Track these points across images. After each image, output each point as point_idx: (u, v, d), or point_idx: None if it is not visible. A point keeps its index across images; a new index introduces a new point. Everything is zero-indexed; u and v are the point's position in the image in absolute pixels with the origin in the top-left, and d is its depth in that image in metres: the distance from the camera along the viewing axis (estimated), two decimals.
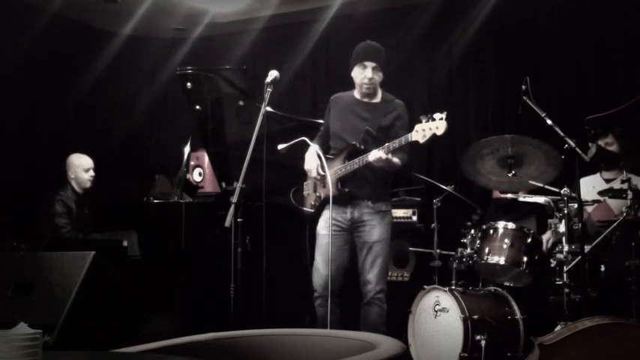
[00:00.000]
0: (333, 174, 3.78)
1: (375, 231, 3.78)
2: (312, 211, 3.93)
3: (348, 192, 3.76)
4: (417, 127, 3.49)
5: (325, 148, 3.93)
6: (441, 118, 3.42)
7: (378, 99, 3.91)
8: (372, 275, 3.76)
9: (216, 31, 6.30)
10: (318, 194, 3.91)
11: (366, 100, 3.91)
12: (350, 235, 3.84)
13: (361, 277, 3.82)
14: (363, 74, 3.83)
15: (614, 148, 4.13)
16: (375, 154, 3.57)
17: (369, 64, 3.82)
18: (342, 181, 3.77)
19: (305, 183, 4.03)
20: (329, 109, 4.02)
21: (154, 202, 4.94)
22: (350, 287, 3.85)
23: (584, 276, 3.17)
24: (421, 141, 3.48)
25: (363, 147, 3.72)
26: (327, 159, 3.87)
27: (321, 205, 3.89)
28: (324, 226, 3.85)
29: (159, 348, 2.16)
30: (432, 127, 3.44)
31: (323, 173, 3.83)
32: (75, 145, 5.26)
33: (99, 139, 6.17)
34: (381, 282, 3.78)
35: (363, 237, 3.81)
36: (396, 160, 3.67)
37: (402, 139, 3.56)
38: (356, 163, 3.69)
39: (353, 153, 3.74)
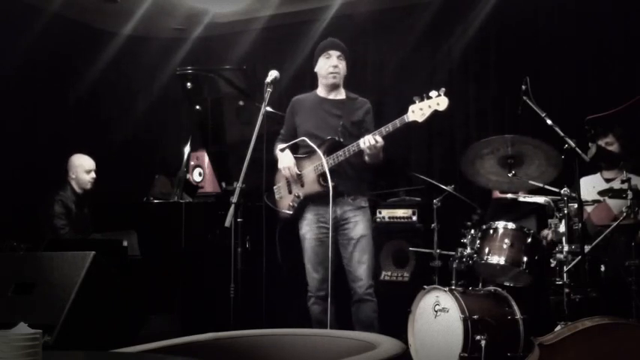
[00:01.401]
0: (313, 170, 3.76)
1: (358, 227, 3.78)
2: (291, 212, 3.87)
3: (335, 186, 3.65)
4: (412, 107, 3.47)
5: (293, 150, 3.91)
6: (439, 95, 3.40)
7: (343, 96, 3.93)
8: (361, 272, 3.76)
9: (216, 31, 6.30)
10: (296, 194, 3.86)
11: (331, 97, 3.91)
12: (334, 233, 3.80)
13: (349, 274, 3.81)
14: (328, 63, 3.84)
15: (614, 148, 4.13)
16: (370, 139, 3.55)
17: (334, 53, 3.85)
18: (323, 176, 3.70)
19: (275, 187, 3.97)
20: (293, 111, 3.98)
21: (154, 202, 4.94)
22: (339, 285, 3.84)
23: (584, 276, 3.17)
24: (420, 120, 3.46)
25: (342, 140, 3.71)
26: (299, 158, 3.85)
27: (300, 206, 3.86)
28: (309, 230, 3.83)
29: (159, 348, 2.16)
30: (431, 104, 3.42)
31: (299, 172, 3.81)
32: (75, 145, 5.26)
33: (99, 139, 6.16)
34: (370, 277, 3.79)
35: (347, 234, 3.80)
36: (381, 153, 3.69)
37: (397, 122, 3.54)
38: (341, 156, 3.67)
39: (333, 147, 3.72)
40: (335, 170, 3.71)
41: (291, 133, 3.97)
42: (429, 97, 3.42)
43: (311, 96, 3.98)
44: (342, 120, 3.81)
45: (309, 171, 3.78)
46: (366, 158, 3.69)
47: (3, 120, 5.38)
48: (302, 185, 3.82)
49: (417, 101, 3.45)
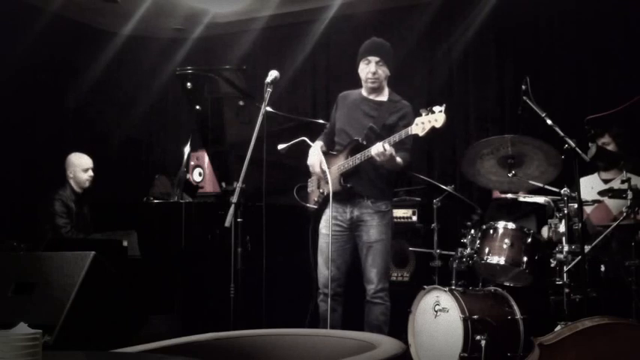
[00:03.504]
0: (336, 169, 3.79)
1: (374, 231, 3.78)
2: (316, 207, 3.93)
3: (350, 187, 3.74)
4: (417, 120, 3.50)
5: (331, 145, 3.95)
6: (440, 111, 3.43)
7: (384, 97, 3.92)
8: (372, 274, 3.77)
9: (216, 31, 6.30)
10: (321, 190, 3.91)
11: (372, 97, 3.92)
12: (351, 233, 3.84)
13: (363, 276, 3.83)
14: (367, 69, 3.85)
15: (611, 147, 4.13)
16: (378, 148, 3.57)
17: (373, 59, 3.84)
18: (344, 176, 3.76)
19: (309, 180, 4.04)
20: (336, 106, 4.04)
21: (154, 202, 4.94)
22: (355, 285, 3.85)
23: (584, 276, 3.17)
24: (420, 134, 3.48)
25: (365, 143, 3.72)
26: (331, 155, 3.88)
27: (324, 202, 3.88)
28: (324, 225, 3.86)
29: (159, 348, 2.16)
30: (430, 119, 3.44)
31: (326, 169, 3.83)
32: (75, 145, 5.26)
33: (99, 139, 6.17)
34: (382, 281, 3.79)
35: (362, 237, 3.81)
36: (398, 159, 3.67)
37: (402, 133, 3.56)
38: (358, 159, 3.69)
39: (356, 149, 3.75)
40: (356, 172, 3.74)
41: (331, 128, 4.03)
42: (432, 112, 3.44)
43: (354, 93, 4.00)
44: (373, 122, 3.81)
45: (334, 169, 3.81)
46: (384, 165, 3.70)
47: (3, 120, 5.38)
48: (327, 182, 3.85)
49: (422, 114, 3.47)
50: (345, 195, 3.77)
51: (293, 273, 4.22)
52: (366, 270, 3.80)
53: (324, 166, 3.78)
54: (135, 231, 4.54)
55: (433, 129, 3.44)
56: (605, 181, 4.18)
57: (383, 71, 3.86)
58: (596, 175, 4.26)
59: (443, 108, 3.42)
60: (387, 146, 3.55)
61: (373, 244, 3.78)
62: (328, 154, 3.90)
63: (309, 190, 4.04)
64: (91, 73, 6.12)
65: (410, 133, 3.52)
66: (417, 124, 3.49)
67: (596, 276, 3.54)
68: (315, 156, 3.87)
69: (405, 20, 5.69)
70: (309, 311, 4.13)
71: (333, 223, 3.78)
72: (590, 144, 3.82)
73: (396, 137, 3.58)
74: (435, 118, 3.43)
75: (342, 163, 3.78)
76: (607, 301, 3.45)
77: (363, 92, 3.96)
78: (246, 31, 6.20)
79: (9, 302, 3.01)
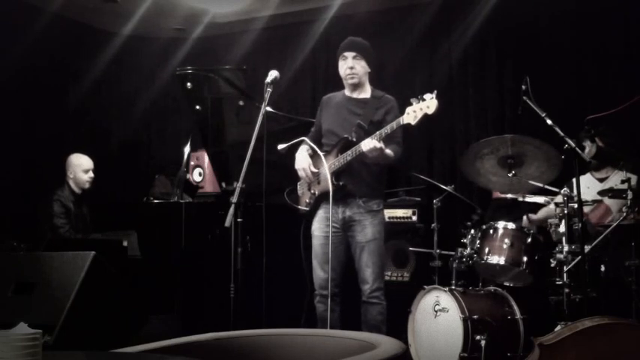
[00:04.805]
0: (327, 169, 3.78)
1: (366, 231, 3.77)
2: (308, 209, 3.92)
3: (343, 185, 3.71)
4: (408, 109, 3.49)
5: (317, 148, 3.92)
6: (432, 98, 3.42)
7: (367, 94, 3.93)
8: (367, 274, 3.76)
9: (216, 31, 6.30)
10: (312, 192, 3.90)
11: (355, 95, 3.92)
12: (344, 234, 3.83)
13: (358, 276, 3.82)
14: (345, 65, 3.86)
15: (595, 149, 4.11)
16: (369, 143, 3.56)
17: (349, 54, 3.86)
18: (336, 175, 3.74)
19: (299, 182, 4.02)
20: (320, 109, 4.04)
21: (154, 202, 4.94)
22: (350, 285, 3.85)
23: (584, 276, 3.17)
24: (413, 122, 3.47)
25: (355, 139, 3.71)
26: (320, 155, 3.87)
27: (316, 203, 3.88)
28: (318, 227, 3.85)
29: (159, 348, 2.16)
30: (422, 107, 3.44)
31: (316, 170, 3.82)
32: (75, 145, 5.26)
33: (99, 139, 6.17)
34: (378, 280, 3.78)
35: (355, 237, 3.80)
36: (388, 151, 3.66)
37: (394, 124, 3.55)
38: (349, 155, 3.68)
39: (346, 146, 3.73)
40: (347, 171, 3.74)
41: (317, 130, 4.01)
42: (423, 100, 3.43)
43: (339, 94, 4.01)
44: (360, 119, 3.81)
45: (325, 169, 3.80)
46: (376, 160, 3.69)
47: (3, 120, 5.38)
48: (318, 183, 3.84)
49: (413, 103, 3.47)
50: (338, 195, 3.74)
51: (293, 273, 4.22)
52: (360, 270, 3.79)
53: (322, 167, 3.76)
54: (135, 231, 4.54)
55: (425, 116, 3.43)
56: (600, 180, 4.17)
57: (361, 66, 3.86)
58: (588, 175, 4.24)
59: (434, 94, 3.42)
60: (375, 142, 3.54)
61: (366, 244, 3.77)
62: (317, 155, 3.88)
63: (299, 192, 4.01)
64: (91, 73, 6.12)
65: (402, 123, 3.51)
66: (408, 114, 3.48)
67: (596, 276, 3.54)
68: (304, 160, 3.86)
69: (405, 20, 5.69)
70: (303, 312, 4.13)
71: (326, 224, 3.78)
72: (590, 143, 3.81)
73: (387, 129, 3.57)
74: (426, 105, 3.42)
75: (332, 161, 3.76)
76: (607, 301, 3.45)
77: (346, 92, 3.96)
78: (246, 31, 6.19)
79: (9, 302, 3.01)
